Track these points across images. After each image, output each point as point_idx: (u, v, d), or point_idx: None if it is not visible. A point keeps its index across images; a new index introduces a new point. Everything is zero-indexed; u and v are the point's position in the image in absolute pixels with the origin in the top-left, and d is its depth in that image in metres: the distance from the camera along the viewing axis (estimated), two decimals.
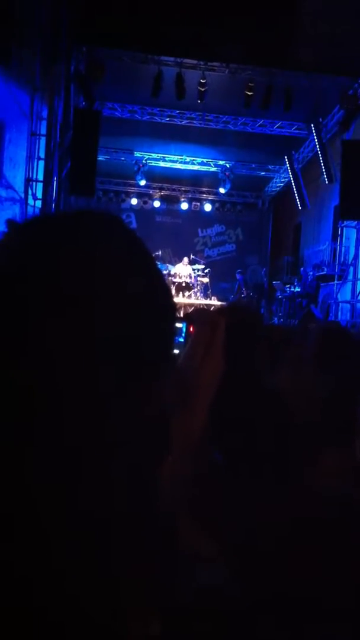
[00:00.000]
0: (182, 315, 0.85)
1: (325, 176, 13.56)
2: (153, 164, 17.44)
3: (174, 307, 0.69)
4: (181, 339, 0.83)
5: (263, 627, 0.87)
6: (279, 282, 15.95)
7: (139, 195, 19.14)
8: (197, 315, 0.86)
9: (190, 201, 19.22)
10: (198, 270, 16.06)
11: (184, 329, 0.84)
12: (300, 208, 15.97)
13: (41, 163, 11.42)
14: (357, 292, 12.27)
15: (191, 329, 0.83)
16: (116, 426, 0.60)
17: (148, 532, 0.62)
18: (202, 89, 11.84)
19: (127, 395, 0.61)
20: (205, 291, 15.73)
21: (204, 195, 19.31)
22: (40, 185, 11.40)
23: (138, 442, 0.62)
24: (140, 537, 0.60)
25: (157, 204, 19.14)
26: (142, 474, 0.62)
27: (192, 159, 17.21)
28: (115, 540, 0.57)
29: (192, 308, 13.21)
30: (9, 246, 0.63)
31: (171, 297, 0.70)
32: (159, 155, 17.10)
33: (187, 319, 0.85)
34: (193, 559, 0.74)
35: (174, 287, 14.81)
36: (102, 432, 0.58)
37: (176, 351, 0.82)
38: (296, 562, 1.04)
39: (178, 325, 0.83)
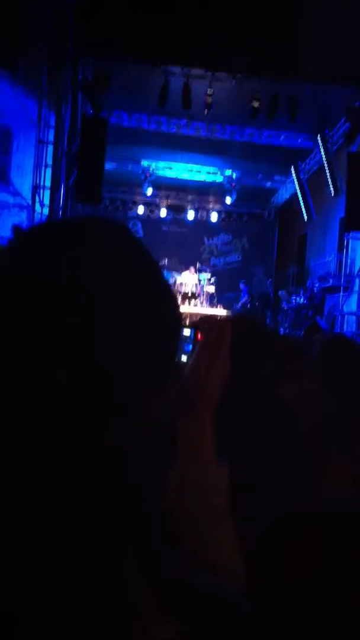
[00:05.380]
0: (189, 323, 0.85)
1: (331, 188, 13.58)
2: (160, 173, 17.49)
3: (179, 315, 0.69)
4: (190, 346, 0.83)
5: (267, 632, 0.86)
6: (284, 292, 15.94)
7: (145, 204, 19.19)
8: (205, 322, 0.86)
9: (196, 210, 19.28)
10: (204, 279, 16.08)
11: (192, 336, 0.84)
12: (306, 219, 15.99)
13: (48, 170, 11.49)
14: None
15: (199, 337, 0.83)
16: (121, 432, 0.59)
17: (152, 536, 0.62)
18: (209, 99, 11.90)
19: (131, 401, 0.61)
20: (211, 300, 15.75)
21: (210, 205, 19.36)
22: (47, 193, 11.46)
23: (144, 448, 0.62)
24: (144, 540, 0.59)
25: (163, 212, 19.19)
26: (148, 479, 0.62)
27: (198, 168, 17.26)
28: (117, 542, 0.57)
29: (199, 316, 13.22)
30: (14, 251, 0.63)
31: (176, 304, 0.70)
32: (166, 164, 17.16)
33: (195, 326, 0.85)
34: (198, 562, 0.74)
35: (180, 296, 14.82)
36: (106, 437, 0.58)
37: (184, 358, 0.82)
38: (300, 567, 1.04)
39: (186, 332, 0.83)
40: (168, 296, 0.68)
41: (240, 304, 16.71)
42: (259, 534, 0.92)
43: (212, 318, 0.89)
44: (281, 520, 1.10)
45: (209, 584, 0.66)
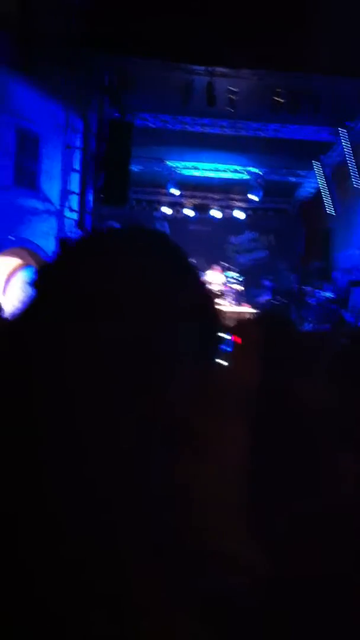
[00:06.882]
0: (226, 327, 0.91)
1: (355, 180, 13.48)
2: (185, 173, 17.49)
3: (219, 319, 0.71)
4: (226, 349, 0.86)
5: (272, 630, 0.88)
6: (309, 287, 15.82)
7: (171, 204, 19.18)
8: (240, 326, 0.91)
9: (222, 209, 19.19)
10: (231, 277, 16.03)
11: (229, 339, 0.86)
12: (330, 213, 15.86)
13: (75, 175, 11.63)
14: None
15: (235, 339, 0.90)
16: (126, 431, 0.59)
17: (156, 535, 0.61)
18: (233, 97, 11.92)
19: (137, 400, 0.60)
20: (238, 298, 15.70)
21: (236, 202, 19.28)
22: (75, 197, 11.59)
23: (149, 447, 0.60)
24: (148, 540, 0.59)
25: (189, 212, 19.14)
26: (153, 479, 0.61)
27: (223, 167, 17.22)
28: (121, 542, 0.57)
29: (233, 318, 13.00)
30: (62, 266, 0.65)
31: (217, 310, 0.72)
32: (191, 163, 17.17)
33: (231, 330, 0.91)
34: (211, 556, 0.71)
35: None
36: (111, 436, 0.58)
37: (221, 361, 0.89)
38: (301, 565, 1.07)
39: (225, 336, 0.91)
40: (208, 302, 0.70)
41: (263, 301, 16.46)
42: (267, 532, 0.95)
43: (246, 322, 0.94)
44: (286, 520, 1.11)
45: (215, 581, 0.65)
